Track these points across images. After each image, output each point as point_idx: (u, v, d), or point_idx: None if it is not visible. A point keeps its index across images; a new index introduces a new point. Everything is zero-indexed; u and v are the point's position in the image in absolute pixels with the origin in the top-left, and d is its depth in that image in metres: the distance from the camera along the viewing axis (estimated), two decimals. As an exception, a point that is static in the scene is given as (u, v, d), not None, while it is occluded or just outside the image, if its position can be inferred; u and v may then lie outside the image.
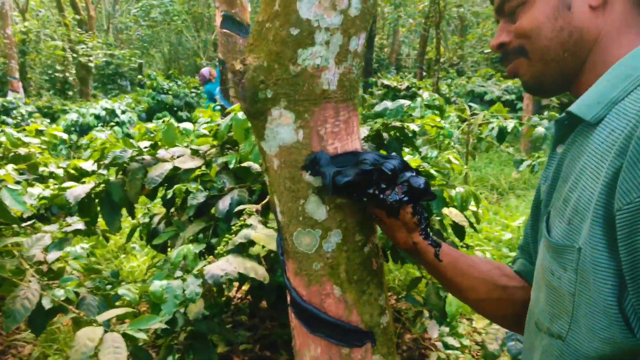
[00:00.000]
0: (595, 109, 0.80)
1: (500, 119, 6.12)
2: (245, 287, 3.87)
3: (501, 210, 5.47)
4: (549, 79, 0.91)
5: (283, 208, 0.97)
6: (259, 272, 2.16)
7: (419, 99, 2.29)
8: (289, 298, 1.04)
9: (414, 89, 12.80)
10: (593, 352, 0.78)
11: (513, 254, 4.41)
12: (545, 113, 6.73)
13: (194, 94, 13.62)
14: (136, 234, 3.34)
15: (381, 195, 0.86)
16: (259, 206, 2.45)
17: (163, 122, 2.95)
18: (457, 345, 2.61)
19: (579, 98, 0.85)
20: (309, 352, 1.01)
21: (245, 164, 2.56)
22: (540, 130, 6.07)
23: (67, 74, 17.54)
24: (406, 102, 2.32)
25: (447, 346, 2.63)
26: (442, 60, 17.57)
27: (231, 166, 2.60)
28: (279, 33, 0.91)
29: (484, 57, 18.76)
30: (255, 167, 2.55)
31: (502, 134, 6.03)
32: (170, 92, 12.78)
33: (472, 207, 2.67)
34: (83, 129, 8.73)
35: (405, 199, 0.88)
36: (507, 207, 5.72)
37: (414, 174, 0.90)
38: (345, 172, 0.88)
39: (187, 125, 3.06)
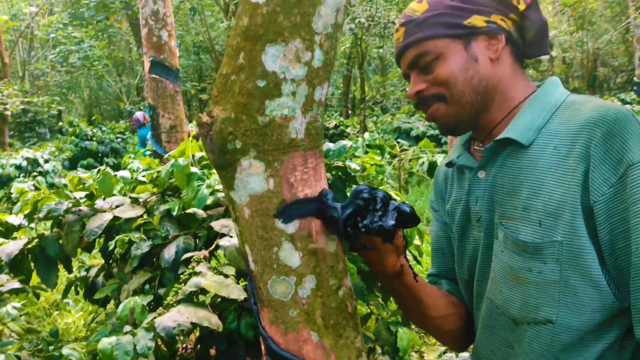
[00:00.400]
0: (528, 134, 1.03)
1: (429, 154, 6.35)
2: (192, 337, 3.75)
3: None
4: (464, 119, 1.11)
5: (256, 257, 0.97)
6: (213, 320, 2.11)
7: (360, 139, 2.36)
8: (263, 347, 1.03)
9: (341, 127, 13.08)
10: (584, 324, 0.96)
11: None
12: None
13: (119, 139, 13.30)
14: (71, 289, 3.18)
15: (380, 222, 0.94)
16: (206, 252, 2.41)
17: (98, 171, 2.87)
18: (411, 379, 2.63)
19: (507, 129, 1.06)
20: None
21: (189, 211, 2.52)
22: (466, 161, 6.34)
23: (-20, 124, 16.67)
24: (348, 143, 2.38)
25: (400, 381, 2.64)
26: (366, 98, 18.09)
27: (174, 213, 2.55)
28: (245, 85, 0.92)
29: (406, 95, 19.46)
30: (201, 213, 2.52)
31: (432, 168, 6.26)
32: (94, 139, 12.42)
33: (415, 241, 2.74)
34: (3, 181, 8.29)
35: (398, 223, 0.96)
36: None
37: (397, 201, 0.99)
38: (344, 206, 0.95)
39: (124, 173, 2.99)
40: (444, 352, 2.74)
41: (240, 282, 2.48)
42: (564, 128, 1.00)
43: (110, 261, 2.93)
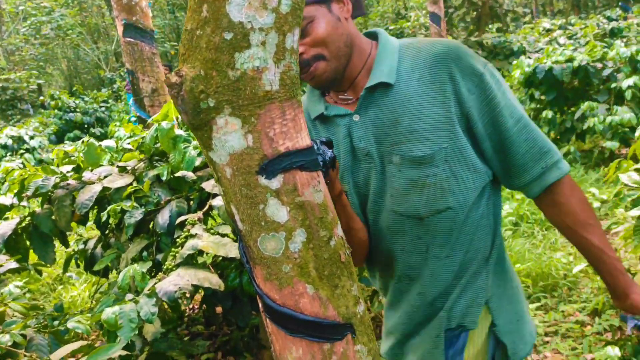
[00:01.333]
0: (392, 75, 1.28)
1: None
2: (197, 297, 3.79)
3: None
4: (341, 71, 1.29)
5: (242, 216, 0.95)
6: (213, 280, 2.12)
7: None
8: (261, 305, 1.03)
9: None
10: (470, 200, 1.30)
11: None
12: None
13: (103, 108, 13.09)
14: (71, 262, 3.19)
15: (329, 155, 1.15)
16: (200, 214, 2.39)
17: (82, 142, 2.82)
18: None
19: (373, 76, 1.28)
20: (290, 355, 1.00)
21: (178, 174, 2.49)
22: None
23: (-41, 105, 16.40)
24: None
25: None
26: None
27: (164, 178, 2.52)
28: (211, 39, 0.88)
29: (389, 33, 19.13)
30: (190, 175, 2.49)
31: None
32: (78, 110, 12.22)
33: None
34: (-11, 162, 8.19)
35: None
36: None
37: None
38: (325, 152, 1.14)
39: (109, 142, 2.94)
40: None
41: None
42: (417, 63, 1.27)
43: (107, 232, 2.92)
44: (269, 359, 3.10)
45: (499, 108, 1.26)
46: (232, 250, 2.21)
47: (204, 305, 3.64)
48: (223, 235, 2.29)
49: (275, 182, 0.93)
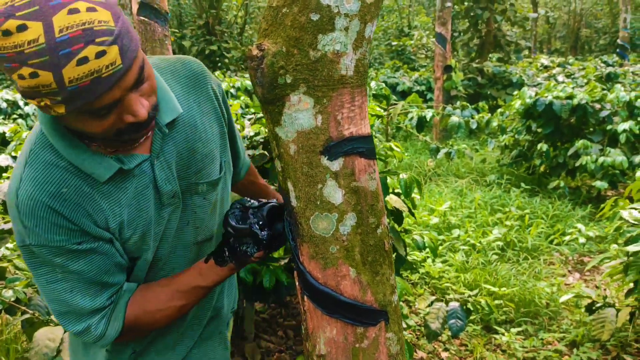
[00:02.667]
0: (177, 105, 1.17)
1: (418, 109, 6.36)
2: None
3: (425, 196, 5.71)
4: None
5: (299, 193, 0.98)
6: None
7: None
8: (299, 283, 1.05)
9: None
10: (229, 189, 1.38)
11: (442, 237, 4.63)
12: (457, 103, 7.06)
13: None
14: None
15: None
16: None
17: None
18: (403, 325, 2.71)
19: (164, 113, 1.13)
20: (323, 334, 1.03)
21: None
22: (454, 119, 6.38)
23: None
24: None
25: (394, 327, 2.74)
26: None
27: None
28: (297, 19, 0.91)
29: (389, 50, 19.31)
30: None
31: (421, 123, 6.28)
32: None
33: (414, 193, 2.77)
34: (-21, 123, 8.02)
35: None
36: (431, 193, 5.98)
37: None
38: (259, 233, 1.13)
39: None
40: (432, 302, 2.82)
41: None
42: (184, 85, 1.22)
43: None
44: (251, 350, 3.11)
45: (229, 108, 1.34)
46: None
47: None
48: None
49: (336, 165, 0.96)
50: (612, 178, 5.56)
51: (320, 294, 1.01)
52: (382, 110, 2.70)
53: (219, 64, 14.88)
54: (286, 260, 3.09)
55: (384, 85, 2.17)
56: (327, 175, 0.96)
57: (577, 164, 5.70)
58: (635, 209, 2.52)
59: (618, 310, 2.68)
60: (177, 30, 18.69)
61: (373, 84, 2.17)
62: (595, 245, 4.75)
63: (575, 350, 3.11)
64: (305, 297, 1.04)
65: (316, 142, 0.95)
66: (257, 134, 2.68)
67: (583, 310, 3.16)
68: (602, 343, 3.15)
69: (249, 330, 3.21)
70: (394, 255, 2.80)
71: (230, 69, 14.67)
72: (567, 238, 4.61)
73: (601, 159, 5.43)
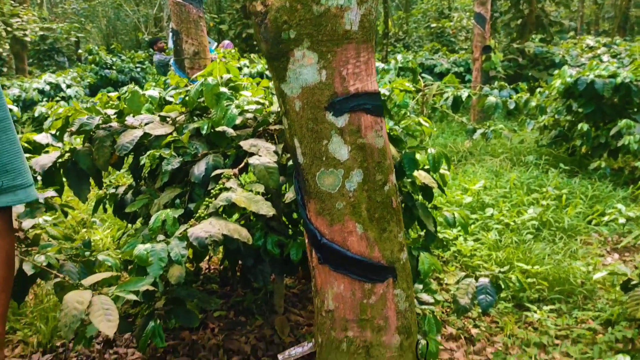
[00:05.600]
0: None
1: (454, 89, 6.25)
2: (215, 259, 3.87)
3: (459, 176, 5.64)
4: None
5: (305, 149, 0.99)
6: (243, 233, 2.17)
7: (392, 61, 2.32)
8: (307, 239, 1.07)
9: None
10: None
11: (474, 216, 4.57)
12: (496, 84, 6.91)
13: (139, 69, 13.24)
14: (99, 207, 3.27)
15: None
16: (236, 170, 2.44)
17: (127, 89, 2.88)
18: (431, 300, 2.71)
19: None
20: (331, 290, 1.04)
21: (219, 129, 2.54)
22: (491, 99, 6.25)
23: (0, 50, 16.64)
24: (380, 65, 2.35)
25: (421, 302, 2.72)
26: (389, 34, 17.68)
27: (204, 132, 2.57)
28: (301, -27, 0.91)
29: (429, 32, 19.00)
30: (230, 131, 2.54)
31: (456, 103, 6.19)
32: (114, 67, 12.38)
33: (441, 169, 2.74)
34: (26, 104, 8.35)
35: None
36: (465, 173, 5.90)
37: None
38: None
39: (153, 92, 3.00)
40: (462, 278, 2.80)
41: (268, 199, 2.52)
42: None
43: (139, 180, 2.99)
44: (280, 324, 3.16)
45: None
46: (263, 207, 2.25)
47: (222, 266, 3.72)
48: (256, 193, 2.34)
49: (341, 121, 0.96)
50: (656, 158, 5.37)
51: (328, 249, 1.02)
52: (410, 86, 2.67)
53: (256, 48, 14.94)
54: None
55: (410, 58, 2.14)
56: (333, 131, 0.96)
57: (619, 144, 5.52)
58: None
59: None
60: (216, 16, 18.83)
61: (400, 56, 2.14)
62: (636, 227, 4.61)
63: (610, 329, 3.04)
64: (314, 253, 1.06)
65: (321, 98, 0.95)
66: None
67: (619, 288, 3.09)
68: (638, 322, 3.08)
69: (278, 304, 3.26)
70: (423, 232, 2.78)
71: (267, 52, 14.66)
72: (605, 218, 4.49)
73: (644, 138, 5.24)
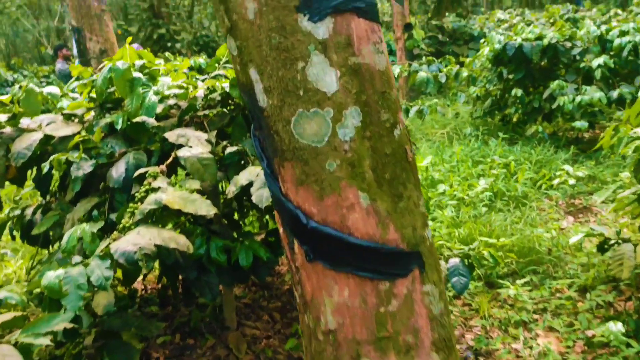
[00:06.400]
0: None
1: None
2: (150, 277, 3.41)
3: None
4: None
5: (269, 82, 0.62)
6: (181, 241, 1.77)
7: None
8: (283, 228, 0.70)
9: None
10: None
11: (427, 194, 4.33)
12: (423, 59, 6.75)
13: (44, 84, 12.27)
14: (5, 236, 2.75)
15: None
16: (163, 167, 2.03)
17: (20, 87, 2.40)
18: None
19: None
20: (329, 299, 0.68)
21: (137, 119, 2.11)
22: (422, 74, 6.07)
23: None
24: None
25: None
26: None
27: (118, 126, 2.14)
28: None
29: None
30: (151, 121, 2.12)
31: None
32: (16, 83, 11.41)
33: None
34: None
35: None
36: (404, 153, 5.68)
37: None
38: None
39: (52, 89, 2.52)
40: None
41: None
42: None
43: (48, 196, 2.51)
44: (235, 340, 2.76)
45: None
46: (202, 207, 1.86)
47: (160, 284, 3.27)
48: (191, 192, 1.94)
49: (322, 29, 0.60)
50: (591, 118, 5.34)
51: (319, 237, 0.66)
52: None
53: (170, 48, 14.19)
54: (263, 235, 2.74)
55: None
56: (311, 46, 0.60)
57: (553, 107, 5.46)
58: (646, 129, 2.24)
59: (635, 245, 2.41)
60: (123, 22, 17.96)
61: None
62: (585, 186, 4.52)
63: (588, 295, 2.85)
64: (296, 247, 0.70)
65: (287, -6, 0.59)
66: (212, 90, 2.30)
67: (595, 250, 2.91)
68: (614, 285, 2.90)
69: (230, 319, 2.86)
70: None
71: (182, 53, 14.02)
72: (556, 182, 4.37)
73: (578, 98, 5.19)
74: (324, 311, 0.69)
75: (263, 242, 2.43)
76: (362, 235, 0.65)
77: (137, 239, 1.68)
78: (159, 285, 3.26)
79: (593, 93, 5.25)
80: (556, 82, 5.49)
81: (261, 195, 1.89)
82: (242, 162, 2.18)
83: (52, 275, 1.54)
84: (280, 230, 0.72)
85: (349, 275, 0.66)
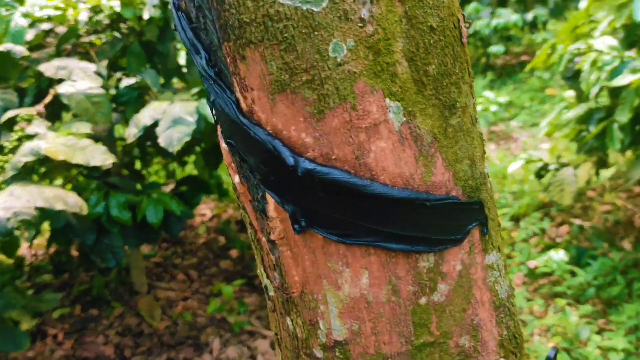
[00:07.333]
0: None
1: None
2: (41, 241, 2.95)
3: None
4: None
5: None
6: (70, 200, 1.39)
7: None
8: (237, 178, 0.40)
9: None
10: None
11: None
12: None
13: None
14: None
15: None
16: (40, 107, 1.62)
17: None
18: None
19: None
20: (335, 292, 0.39)
21: (1, 49, 1.66)
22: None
23: None
24: None
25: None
26: None
27: (-24, 59, 1.67)
28: None
29: None
30: (20, 50, 1.67)
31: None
32: None
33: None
34: None
35: None
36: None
37: None
38: None
39: None
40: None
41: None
42: None
43: None
44: (147, 306, 2.43)
45: None
46: (95, 155, 1.49)
47: (53, 245, 2.83)
48: (80, 137, 1.55)
49: None
50: (507, 42, 5.32)
51: (316, 187, 0.36)
52: None
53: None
54: (173, 186, 2.39)
55: None
56: None
57: (470, 32, 5.36)
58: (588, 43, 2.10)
59: (576, 167, 2.31)
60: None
61: None
62: (506, 112, 4.50)
63: (521, 224, 2.78)
64: (270, 207, 0.39)
65: None
66: (97, 11, 1.86)
67: (532, 177, 2.84)
68: (545, 212, 2.85)
69: (139, 282, 2.51)
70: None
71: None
72: (479, 108, 4.29)
73: (494, 22, 5.10)
74: (325, 312, 0.40)
75: (174, 194, 2.09)
76: (392, 178, 0.36)
77: (10, 202, 1.29)
78: (52, 250, 2.82)
79: (509, 15, 5.18)
80: (472, 4, 5.37)
81: (170, 137, 1.54)
82: (143, 98, 1.79)
83: None
84: (235, 179, 0.41)
85: (370, 250, 0.38)
